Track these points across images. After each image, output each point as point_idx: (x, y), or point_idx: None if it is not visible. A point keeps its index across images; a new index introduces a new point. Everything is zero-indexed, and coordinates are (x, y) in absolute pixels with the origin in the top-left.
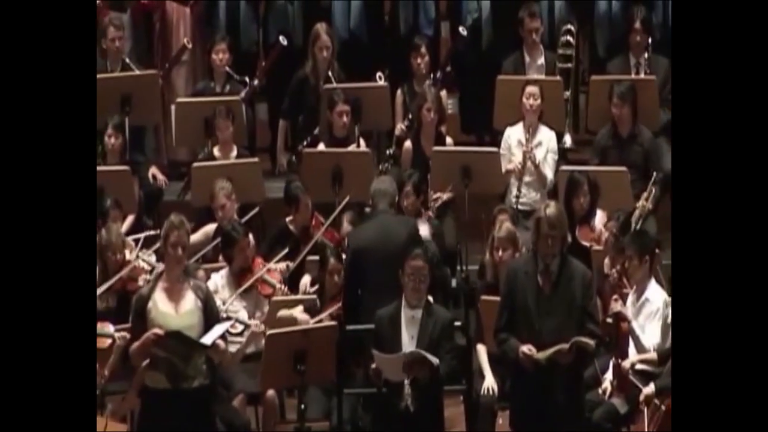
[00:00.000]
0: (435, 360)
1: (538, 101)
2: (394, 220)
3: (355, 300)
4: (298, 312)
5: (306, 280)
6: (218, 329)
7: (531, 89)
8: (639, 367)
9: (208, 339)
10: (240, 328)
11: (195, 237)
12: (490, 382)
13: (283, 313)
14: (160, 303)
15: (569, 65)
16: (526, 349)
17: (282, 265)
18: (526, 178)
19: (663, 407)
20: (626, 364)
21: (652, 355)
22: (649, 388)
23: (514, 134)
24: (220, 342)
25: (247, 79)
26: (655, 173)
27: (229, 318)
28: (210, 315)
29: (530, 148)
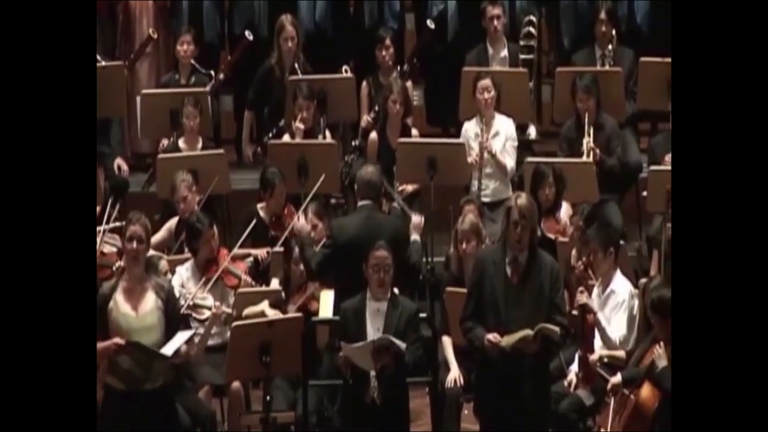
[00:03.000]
0: (402, 344)
1: (492, 93)
2: (379, 217)
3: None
4: (265, 306)
5: (275, 282)
6: (180, 338)
7: (483, 83)
8: (606, 359)
9: (169, 349)
10: (207, 313)
11: (158, 235)
12: (455, 374)
13: (251, 309)
14: (120, 303)
15: (532, 56)
16: (492, 336)
17: (248, 258)
18: (486, 170)
19: (632, 397)
20: (594, 357)
21: (620, 353)
22: (616, 378)
23: (471, 128)
24: (183, 347)
25: (212, 72)
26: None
27: (191, 307)
28: (171, 315)
29: (486, 139)
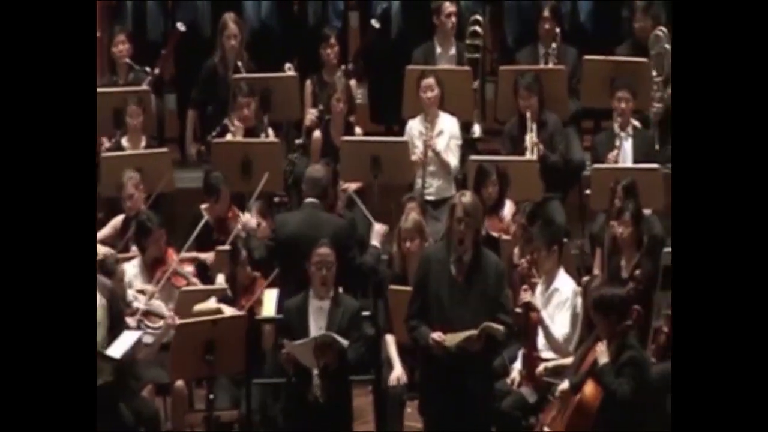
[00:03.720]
0: (344, 342)
1: (435, 92)
2: (322, 215)
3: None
4: (214, 303)
5: (221, 279)
6: (128, 339)
7: (426, 81)
8: (548, 356)
9: (116, 351)
10: (159, 322)
11: (103, 231)
12: (398, 372)
13: (201, 306)
14: None
15: (477, 55)
16: (436, 335)
17: (195, 255)
18: (430, 168)
19: (575, 397)
20: (540, 368)
21: (566, 361)
22: (564, 385)
23: (415, 126)
24: (130, 350)
25: (148, 69)
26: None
27: (144, 314)
28: (115, 314)
29: (430, 137)
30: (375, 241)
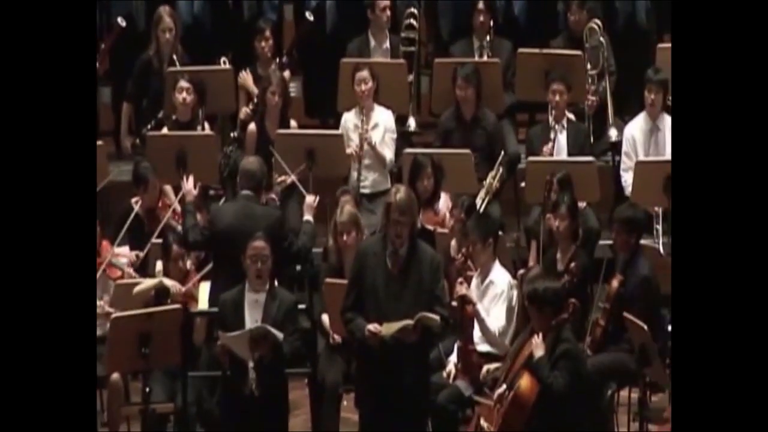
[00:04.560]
0: (279, 335)
1: (369, 85)
2: (258, 208)
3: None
4: (155, 281)
5: (160, 266)
6: None
7: (360, 74)
8: (484, 349)
9: None
10: None
11: None
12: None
13: (141, 287)
14: None
15: (412, 48)
16: (372, 327)
17: (132, 255)
18: (366, 161)
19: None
20: (483, 371)
21: (503, 365)
22: (501, 389)
23: (350, 119)
24: None
25: None
26: (502, 153)
27: None
28: None
29: (365, 130)
30: (308, 215)
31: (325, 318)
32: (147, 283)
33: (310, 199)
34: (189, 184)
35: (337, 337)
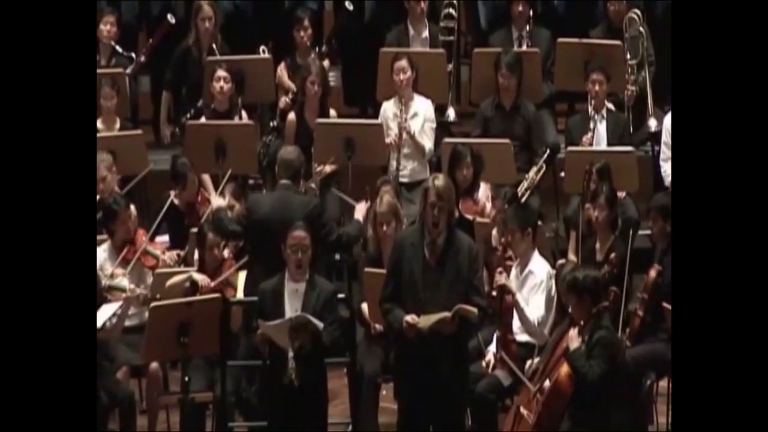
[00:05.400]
0: (319, 324)
1: (408, 74)
2: (296, 197)
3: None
4: (185, 275)
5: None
6: (107, 311)
7: (399, 64)
8: (523, 339)
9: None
10: (122, 296)
11: None
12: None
13: (173, 280)
14: None
15: (451, 38)
16: (410, 318)
17: (173, 254)
18: (405, 151)
19: (547, 382)
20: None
21: (543, 355)
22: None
23: (389, 108)
24: (108, 322)
25: (133, 55)
26: (545, 149)
27: (106, 289)
28: None
29: (404, 119)
30: (359, 215)
31: (364, 307)
32: (178, 277)
33: (361, 205)
34: (219, 200)
35: (378, 327)
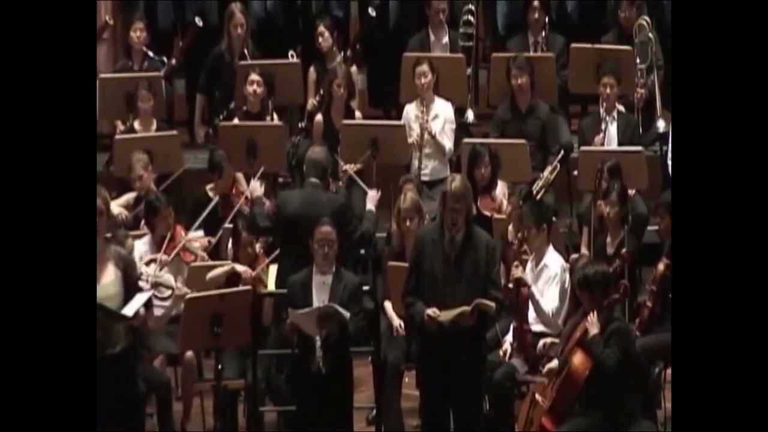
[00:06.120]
0: (346, 313)
1: (429, 78)
2: (323, 195)
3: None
4: (227, 267)
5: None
6: (139, 299)
7: (420, 68)
8: (538, 329)
9: (129, 310)
10: (167, 292)
11: (120, 201)
12: (397, 323)
13: (213, 273)
14: None
15: (470, 43)
16: (431, 311)
17: (204, 240)
18: (426, 150)
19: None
20: (540, 345)
21: (557, 344)
22: (553, 363)
23: (411, 110)
24: (142, 309)
25: (165, 59)
26: (559, 149)
27: (156, 284)
28: (129, 283)
29: (426, 121)
30: (370, 206)
31: (388, 305)
32: (219, 269)
33: (373, 193)
34: (254, 186)
35: (401, 328)
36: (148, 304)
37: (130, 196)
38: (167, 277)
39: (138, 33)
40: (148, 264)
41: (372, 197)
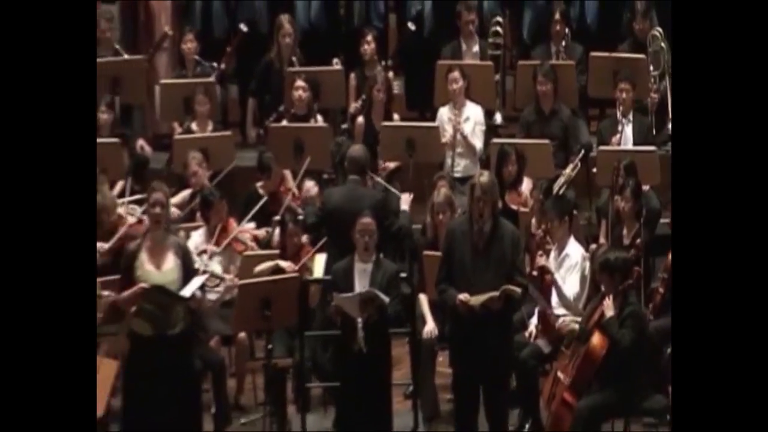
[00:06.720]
0: (385, 298)
1: (460, 84)
2: (362, 190)
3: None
4: (272, 262)
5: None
6: (195, 282)
7: (452, 75)
8: (561, 312)
9: (187, 291)
10: (217, 280)
11: (175, 199)
12: (430, 327)
13: (261, 267)
14: (145, 263)
15: (498, 52)
16: (462, 297)
17: (261, 232)
18: (458, 150)
19: (584, 347)
20: (560, 321)
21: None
22: (575, 326)
23: (445, 113)
24: (198, 292)
25: (215, 64)
26: (580, 148)
27: (205, 272)
28: (187, 269)
29: (458, 122)
30: (405, 206)
31: (422, 298)
32: (266, 264)
33: (406, 196)
34: (308, 185)
35: (433, 332)
36: (201, 288)
37: (185, 194)
38: (216, 266)
39: (188, 44)
40: (200, 255)
41: (405, 199)
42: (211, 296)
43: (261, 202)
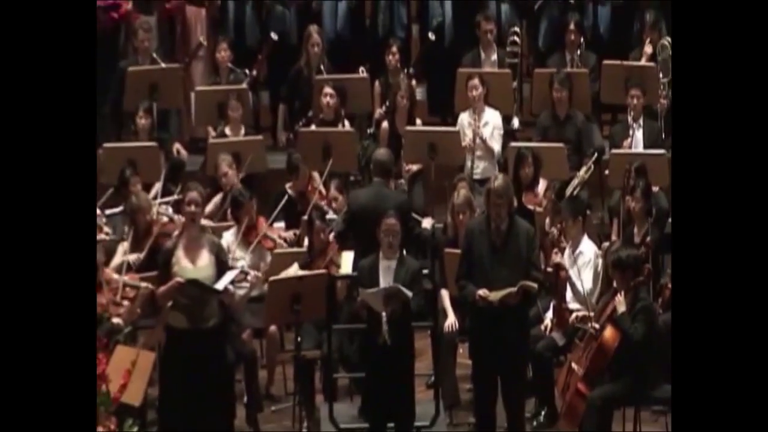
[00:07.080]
0: (408, 293)
1: (480, 90)
2: (387, 191)
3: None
4: (295, 268)
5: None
6: (228, 276)
7: (472, 82)
8: (575, 307)
9: (220, 285)
10: (242, 275)
11: (208, 207)
12: (451, 320)
13: (288, 273)
14: (181, 259)
15: (516, 60)
16: (482, 292)
17: (289, 234)
18: (478, 153)
19: (597, 340)
20: (572, 317)
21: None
22: (587, 312)
23: (465, 118)
24: (230, 287)
25: (247, 71)
26: (593, 151)
27: (234, 268)
28: (221, 265)
29: (478, 127)
30: (426, 225)
31: (444, 293)
32: (289, 271)
33: (429, 219)
34: (335, 192)
35: (454, 326)
36: (231, 283)
37: (217, 199)
38: (242, 263)
39: (222, 53)
40: (231, 253)
41: (428, 221)
42: (240, 291)
43: (283, 201)
